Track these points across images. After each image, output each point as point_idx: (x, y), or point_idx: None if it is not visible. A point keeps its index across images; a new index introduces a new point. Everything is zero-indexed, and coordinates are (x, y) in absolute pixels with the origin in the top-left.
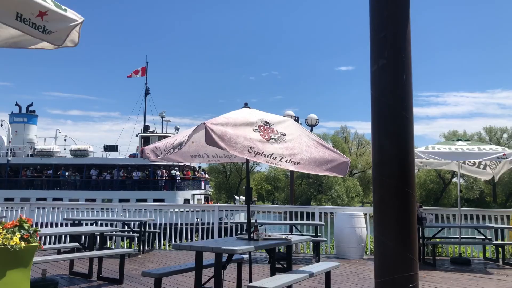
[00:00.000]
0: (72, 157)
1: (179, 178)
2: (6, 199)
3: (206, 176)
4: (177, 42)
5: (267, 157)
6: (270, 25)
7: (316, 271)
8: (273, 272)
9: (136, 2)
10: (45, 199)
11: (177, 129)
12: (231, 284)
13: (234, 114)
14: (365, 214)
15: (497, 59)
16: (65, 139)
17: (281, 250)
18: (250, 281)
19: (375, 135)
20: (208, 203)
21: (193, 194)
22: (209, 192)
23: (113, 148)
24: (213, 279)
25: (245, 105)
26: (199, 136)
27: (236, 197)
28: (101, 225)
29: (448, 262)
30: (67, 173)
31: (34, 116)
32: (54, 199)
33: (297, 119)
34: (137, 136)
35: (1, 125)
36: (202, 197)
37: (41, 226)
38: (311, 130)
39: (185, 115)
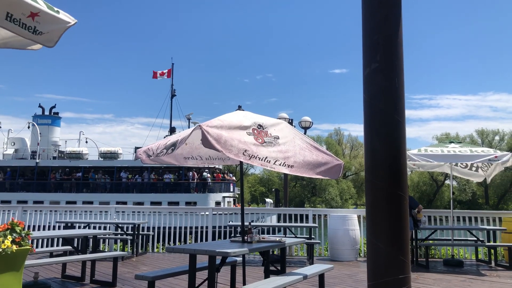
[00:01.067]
0: (102, 159)
1: (209, 181)
2: (35, 202)
3: (233, 178)
4: (171, 43)
5: (261, 160)
6: (265, 27)
7: (310, 273)
8: (267, 275)
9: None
10: (75, 202)
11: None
12: (225, 286)
13: (229, 116)
14: (359, 216)
15: (489, 62)
16: (86, 141)
17: (275, 253)
18: (244, 283)
19: (368, 138)
20: (236, 205)
21: (224, 197)
22: (236, 195)
23: None
24: (206, 282)
25: (239, 108)
26: (193, 138)
27: (267, 200)
28: (94, 227)
29: (441, 263)
30: (96, 176)
31: (58, 118)
32: (84, 202)
33: (291, 122)
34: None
35: (29, 127)
36: (232, 199)
37: (34, 229)
38: (305, 133)
39: (180, 117)
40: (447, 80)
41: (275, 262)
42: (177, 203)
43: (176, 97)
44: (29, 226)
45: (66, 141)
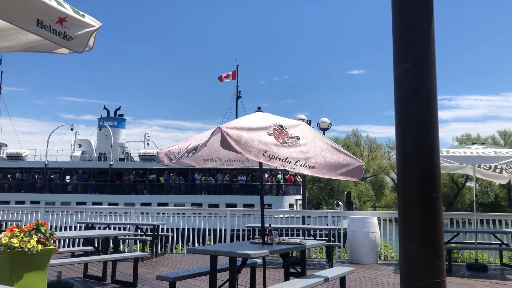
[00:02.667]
0: None
1: (283, 183)
2: (110, 204)
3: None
4: (186, 45)
5: (281, 160)
6: (281, 29)
7: (331, 276)
8: (287, 277)
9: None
10: (149, 204)
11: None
12: None
13: (248, 118)
14: (378, 219)
15: (511, 61)
16: (148, 143)
17: (293, 255)
18: (265, 286)
19: (400, 139)
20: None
21: (296, 199)
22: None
23: None
24: (227, 283)
25: (258, 109)
26: (212, 140)
27: (340, 203)
28: (114, 228)
29: (464, 267)
30: (170, 178)
31: (123, 119)
32: (159, 204)
33: (309, 123)
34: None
35: (100, 129)
36: (301, 202)
37: (56, 229)
38: (323, 134)
39: (196, 119)
40: (467, 80)
41: (295, 264)
42: (252, 205)
43: (191, 99)
44: (51, 227)
45: (128, 144)
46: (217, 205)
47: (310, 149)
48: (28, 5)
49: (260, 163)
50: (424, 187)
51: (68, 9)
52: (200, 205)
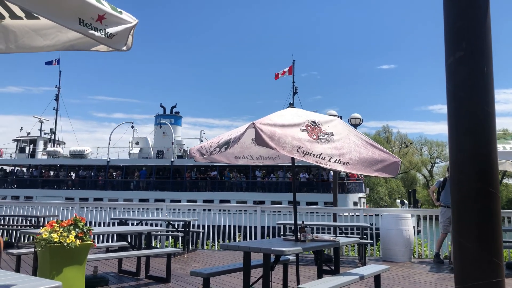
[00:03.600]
0: None
1: (346, 181)
2: (172, 201)
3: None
4: (216, 42)
5: (316, 157)
6: (309, 24)
7: (366, 274)
8: (320, 275)
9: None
10: (212, 201)
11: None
12: (277, 285)
13: (281, 114)
14: (412, 216)
15: None
16: (201, 141)
17: (324, 252)
18: (298, 283)
19: (453, 132)
20: (366, 206)
21: (360, 197)
22: (365, 195)
23: None
24: (260, 280)
25: (290, 105)
26: (244, 137)
27: (405, 201)
28: (147, 224)
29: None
30: (231, 175)
31: (179, 117)
32: (221, 201)
33: (340, 119)
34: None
35: (160, 126)
36: (364, 200)
37: (91, 225)
38: None
39: (224, 116)
40: (504, 74)
41: (327, 261)
42: (315, 203)
43: (219, 97)
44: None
45: (181, 141)
46: (279, 203)
47: (344, 145)
48: (70, 4)
49: (292, 160)
50: (481, 182)
51: (106, 6)
52: (262, 202)
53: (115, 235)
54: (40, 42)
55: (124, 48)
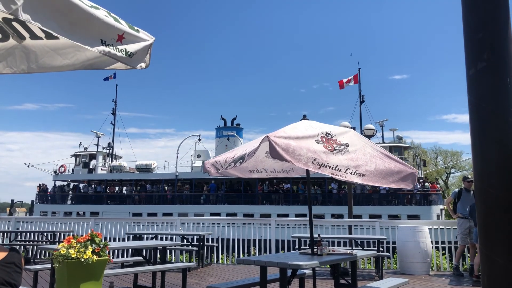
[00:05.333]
0: None
1: (429, 192)
2: (245, 215)
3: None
4: (223, 55)
5: (331, 168)
6: (322, 36)
7: (384, 287)
8: None
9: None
10: (286, 215)
11: (399, 138)
12: None
13: (295, 126)
14: (431, 229)
15: None
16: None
17: (340, 265)
18: None
19: (476, 143)
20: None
21: (441, 209)
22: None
23: None
24: None
25: (304, 117)
26: (257, 151)
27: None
28: (161, 239)
29: None
30: (305, 187)
31: (240, 129)
32: (296, 215)
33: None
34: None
35: (228, 139)
36: (444, 211)
37: (105, 240)
38: None
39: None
40: None
41: (344, 275)
42: (396, 217)
43: (234, 109)
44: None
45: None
46: (360, 217)
47: (360, 156)
48: (92, 26)
49: (307, 173)
50: (508, 193)
51: (124, 25)
52: (341, 216)
53: (130, 250)
54: (60, 61)
55: (143, 65)
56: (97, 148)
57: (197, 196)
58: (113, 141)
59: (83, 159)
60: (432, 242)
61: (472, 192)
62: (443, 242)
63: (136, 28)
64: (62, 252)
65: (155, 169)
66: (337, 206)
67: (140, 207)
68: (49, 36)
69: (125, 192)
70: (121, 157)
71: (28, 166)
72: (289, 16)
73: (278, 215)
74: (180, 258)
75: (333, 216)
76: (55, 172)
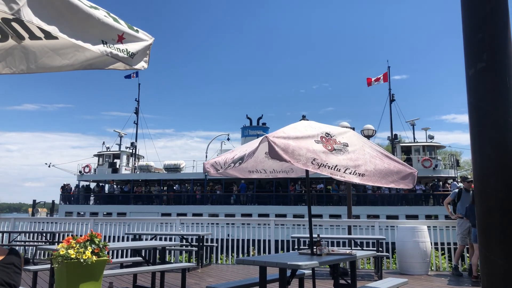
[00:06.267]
0: None
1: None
2: (277, 216)
3: None
4: (224, 56)
5: (331, 168)
6: (320, 37)
7: (384, 287)
8: None
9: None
10: (320, 216)
11: (431, 137)
12: None
13: (294, 126)
14: (429, 228)
15: None
16: None
17: (340, 265)
18: None
19: (475, 144)
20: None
21: None
22: None
23: None
24: None
25: (303, 118)
26: (257, 152)
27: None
28: (160, 239)
29: None
30: (339, 187)
31: (266, 128)
32: (330, 216)
33: (353, 130)
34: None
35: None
36: None
37: (105, 240)
38: None
39: (236, 130)
40: None
41: (343, 275)
42: (436, 217)
43: (231, 111)
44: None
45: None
46: (397, 217)
47: (360, 156)
48: (93, 27)
49: (307, 173)
50: (508, 193)
51: (123, 25)
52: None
53: (129, 250)
54: (59, 61)
55: (145, 66)
56: (120, 148)
57: (227, 196)
58: (136, 141)
59: (106, 159)
60: (431, 241)
61: (471, 192)
62: (442, 243)
63: (135, 28)
64: (61, 253)
65: (184, 169)
66: (374, 207)
67: (169, 208)
68: (48, 36)
69: (153, 192)
70: (143, 157)
71: (49, 166)
72: (289, 18)
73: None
74: (180, 259)
75: (368, 216)
76: (80, 172)
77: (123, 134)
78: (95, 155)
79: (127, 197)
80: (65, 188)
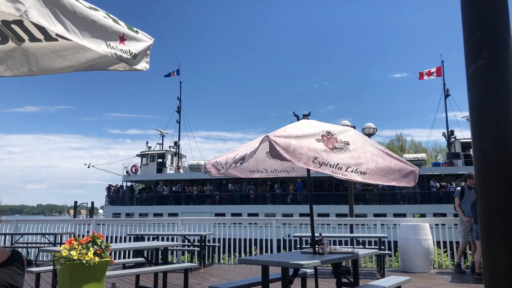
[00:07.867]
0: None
1: None
2: (337, 215)
3: None
4: (226, 55)
5: (332, 167)
6: (321, 36)
7: (387, 286)
8: (339, 287)
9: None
10: (384, 215)
11: None
12: None
13: (295, 125)
14: (431, 225)
15: None
16: None
17: (342, 264)
18: None
19: (476, 141)
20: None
21: None
22: None
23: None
24: None
25: (304, 116)
26: (258, 151)
27: None
28: (163, 239)
29: None
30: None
31: None
32: (395, 215)
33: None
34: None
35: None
36: None
37: (107, 241)
38: None
39: (236, 130)
40: None
41: (346, 274)
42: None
43: (230, 110)
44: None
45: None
46: (444, 214)
47: (361, 155)
48: (98, 30)
49: (308, 172)
50: (509, 191)
51: (123, 26)
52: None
53: (131, 251)
54: (60, 63)
55: (146, 66)
56: (162, 147)
57: (283, 195)
58: (179, 139)
59: (151, 159)
60: (433, 239)
61: (474, 189)
62: (444, 241)
63: (135, 29)
64: (64, 254)
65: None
66: (422, 205)
67: (223, 207)
68: (48, 38)
69: (206, 191)
70: (185, 156)
71: (89, 167)
72: (289, 16)
73: (375, 215)
74: (182, 259)
75: (414, 215)
76: (127, 172)
77: (165, 133)
78: (137, 155)
79: (177, 197)
80: (111, 189)
